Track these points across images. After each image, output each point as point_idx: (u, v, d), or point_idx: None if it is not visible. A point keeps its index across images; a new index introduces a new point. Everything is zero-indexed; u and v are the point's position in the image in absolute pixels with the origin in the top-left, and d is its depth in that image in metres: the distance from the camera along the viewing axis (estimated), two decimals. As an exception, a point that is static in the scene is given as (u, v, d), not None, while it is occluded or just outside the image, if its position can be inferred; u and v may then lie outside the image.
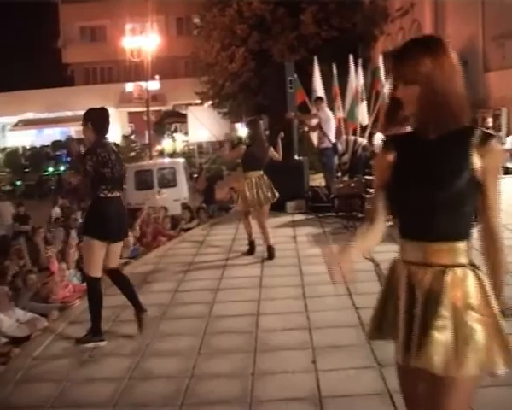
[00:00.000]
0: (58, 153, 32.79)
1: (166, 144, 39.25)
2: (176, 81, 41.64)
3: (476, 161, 2.38)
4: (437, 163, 2.43)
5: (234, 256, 9.15)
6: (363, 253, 2.73)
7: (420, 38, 2.51)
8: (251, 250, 9.11)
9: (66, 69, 47.55)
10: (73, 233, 11.86)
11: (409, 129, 2.57)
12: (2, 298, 7.66)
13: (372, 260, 8.37)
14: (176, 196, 17.34)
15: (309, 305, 6.55)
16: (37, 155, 33.99)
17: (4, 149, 39.81)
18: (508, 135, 18.54)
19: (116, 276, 6.19)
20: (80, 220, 13.29)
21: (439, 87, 2.38)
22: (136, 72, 36.42)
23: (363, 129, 15.45)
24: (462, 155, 2.39)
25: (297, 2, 24.28)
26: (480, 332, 2.37)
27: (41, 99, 40.42)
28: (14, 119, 42.00)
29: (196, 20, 31.35)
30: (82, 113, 6.10)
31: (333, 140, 13.13)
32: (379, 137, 14.87)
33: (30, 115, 41.82)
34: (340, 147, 13.92)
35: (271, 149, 9.18)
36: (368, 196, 10.79)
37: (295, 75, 13.34)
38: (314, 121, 13.36)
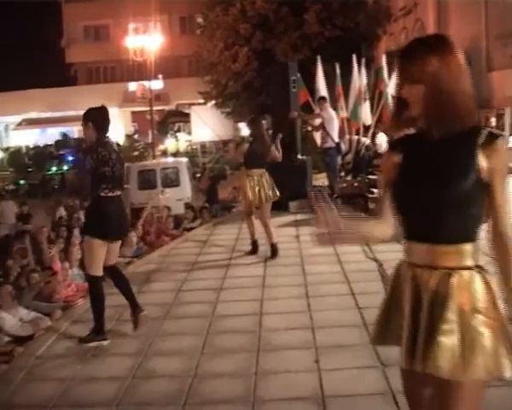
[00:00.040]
0: (61, 152, 32.80)
1: (170, 144, 39.25)
2: (179, 80, 41.65)
3: (482, 162, 2.35)
4: (443, 164, 2.39)
5: (237, 256, 9.15)
6: (361, 237, 2.69)
7: (426, 37, 2.47)
8: (254, 250, 9.11)
9: (70, 69, 47.59)
10: (76, 232, 11.85)
11: (413, 131, 2.55)
12: (5, 297, 7.67)
13: (375, 259, 8.39)
14: (179, 196, 17.32)
15: (312, 304, 6.55)
16: (41, 155, 33.96)
17: (8, 148, 39.88)
18: (511, 134, 18.51)
19: (114, 273, 6.20)
20: (83, 220, 13.28)
21: (445, 86, 2.35)
22: (139, 71, 36.44)
23: (367, 129, 15.47)
24: (468, 156, 2.36)
25: (300, 1, 24.29)
26: (487, 336, 2.34)
27: (44, 98, 40.48)
28: (18, 118, 42.06)
29: (199, 20, 31.38)
30: (85, 112, 6.12)
31: (336, 140, 13.13)
32: (381, 137, 14.92)
33: (33, 115, 41.86)
34: (344, 146, 13.93)
35: (273, 146, 9.18)
36: (371, 195, 10.79)
37: (298, 75, 13.34)
38: (317, 121, 13.36)
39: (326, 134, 13.03)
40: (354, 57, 15.57)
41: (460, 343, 2.33)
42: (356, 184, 11.84)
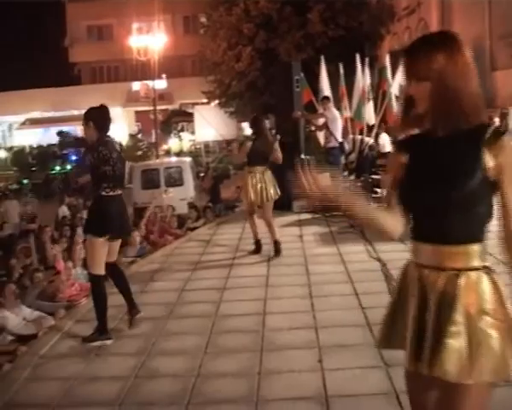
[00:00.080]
0: (65, 152, 32.86)
1: (173, 143, 39.31)
2: (182, 80, 41.70)
3: (489, 161, 2.31)
4: (449, 163, 2.36)
5: (240, 255, 9.15)
6: (364, 212, 2.52)
7: (433, 34, 2.45)
8: (257, 249, 9.11)
9: (73, 68, 47.67)
10: (80, 231, 11.87)
11: (417, 131, 2.52)
12: (9, 296, 7.68)
13: (379, 259, 8.37)
14: (182, 196, 17.33)
15: (315, 304, 6.54)
16: (44, 154, 34.06)
17: (11, 147, 39.98)
18: (515, 134, 18.47)
19: (114, 271, 6.21)
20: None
21: (451, 83, 2.32)
22: (142, 71, 36.54)
23: (370, 128, 15.44)
24: (474, 155, 2.32)
25: (304, 1, 24.27)
26: (494, 338, 2.31)
27: (48, 98, 40.57)
28: (21, 117, 42.16)
29: (203, 19, 31.35)
30: (88, 112, 6.12)
31: (339, 139, 13.11)
32: (384, 137, 14.91)
33: (37, 114, 41.96)
34: (347, 146, 13.93)
35: (276, 143, 9.17)
36: (374, 195, 10.77)
37: (302, 74, 13.34)
38: (321, 121, 13.35)
39: (329, 134, 13.02)
40: (358, 57, 15.55)
41: (467, 345, 2.30)
42: (359, 184, 11.80)
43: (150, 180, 18.62)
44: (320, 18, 24.18)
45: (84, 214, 14.31)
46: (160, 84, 37.19)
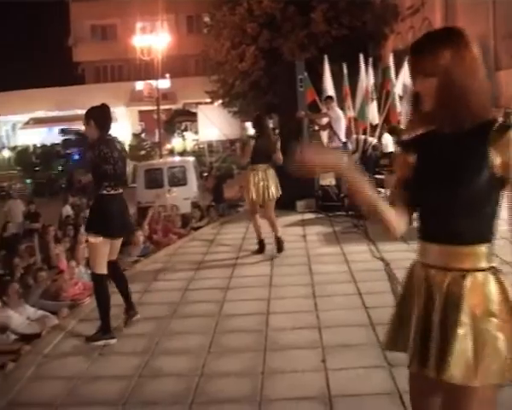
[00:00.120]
0: (68, 151, 32.88)
1: (176, 143, 39.34)
2: (186, 80, 41.74)
3: (496, 158, 2.28)
4: (455, 160, 2.34)
5: (244, 255, 9.14)
6: (364, 196, 2.46)
7: (440, 30, 2.43)
8: (260, 249, 9.10)
9: (77, 67, 47.74)
10: (83, 230, 11.88)
11: (421, 131, 2.50)
12: (12, 295, 7.70)
13: (382, 259, 8.35)
14: (186, 195, 17.34)
15: (319, 304, 6.54)
16: (48, 154, 34.07)
17: (15, 147, 40.03)
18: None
19: (115, 270, 6.22)
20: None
21: (457, 79, 2.29)
22: (146, 70, 36.56)
23: (374, 128, 15.44)
24: (480, 153, 2.29)
25: (307, 0, 24.26)
26: (501, 339, 2.29)
27: (51, 97, 40.59)
28: (25, 117, 42.22)
29: (206, 19, 31.39)
30: (92, 111, 6.13)
31: (343, 139, 13.11)
32: (387, 137, 14.91)
33: (40, 114, 42.00)
34: (351, 146, 13.92)
35: (278, 143, 9.17)
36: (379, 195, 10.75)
37: (305, 74, 13.32)
38: (324, 120, 13.35)
39: (333, 133, 13.02)
40: (361, 57, 15.55)
41: (473, 347, 2.28)
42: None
43: (154, 180, 18.64)
44: (323, 17, 24.19)
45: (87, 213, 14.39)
46: (164, 83, 37.20)
